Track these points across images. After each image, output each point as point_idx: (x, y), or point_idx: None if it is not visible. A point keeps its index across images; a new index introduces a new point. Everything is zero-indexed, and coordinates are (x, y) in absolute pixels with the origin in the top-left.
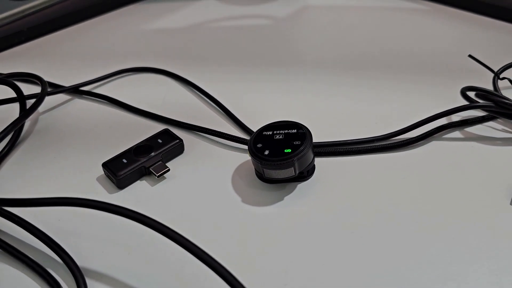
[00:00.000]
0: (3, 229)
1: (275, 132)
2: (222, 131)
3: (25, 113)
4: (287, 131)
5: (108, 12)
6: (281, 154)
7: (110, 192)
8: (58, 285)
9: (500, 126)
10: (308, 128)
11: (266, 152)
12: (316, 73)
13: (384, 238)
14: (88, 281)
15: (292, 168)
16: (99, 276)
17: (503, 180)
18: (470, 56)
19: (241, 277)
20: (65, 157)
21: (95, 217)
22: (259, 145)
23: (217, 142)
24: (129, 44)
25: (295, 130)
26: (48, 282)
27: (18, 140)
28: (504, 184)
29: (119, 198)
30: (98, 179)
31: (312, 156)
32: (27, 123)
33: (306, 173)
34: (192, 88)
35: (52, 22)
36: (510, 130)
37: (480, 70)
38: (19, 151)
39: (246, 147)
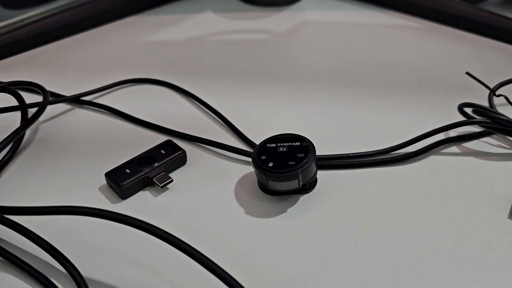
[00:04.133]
0: (5, 237)
1: (278, 144)
2: (224, 143)
3: (26, 122)
4: (290, 143)
5: (108, 23)
6: (286, 166)
7: (113, 202)
8: None
9: (496, 142)
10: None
11: (270, 164)
12: (315, 88)
13: (385, 251)
14: None
15: (296, 180)
16: (103, 287)
17: (500, 194)
18: (467, 73)
19: None
20: (67, 167)
21: (98, 226)
22: (263, 157)
23: (220, 154)
24: (130, 55)
25: (299, 143)
26: None
27: (19, 149)
28: (501, 198)
29: (122, 208)
30: (100, 188)
31: (315, 168)
32: (28, 132)
33: (308, 186)
34: (192, 100)
35: (51, 32)
36: (506, 146)
37: (474, 88)
38: (19, 160)
39: (248, 159)
